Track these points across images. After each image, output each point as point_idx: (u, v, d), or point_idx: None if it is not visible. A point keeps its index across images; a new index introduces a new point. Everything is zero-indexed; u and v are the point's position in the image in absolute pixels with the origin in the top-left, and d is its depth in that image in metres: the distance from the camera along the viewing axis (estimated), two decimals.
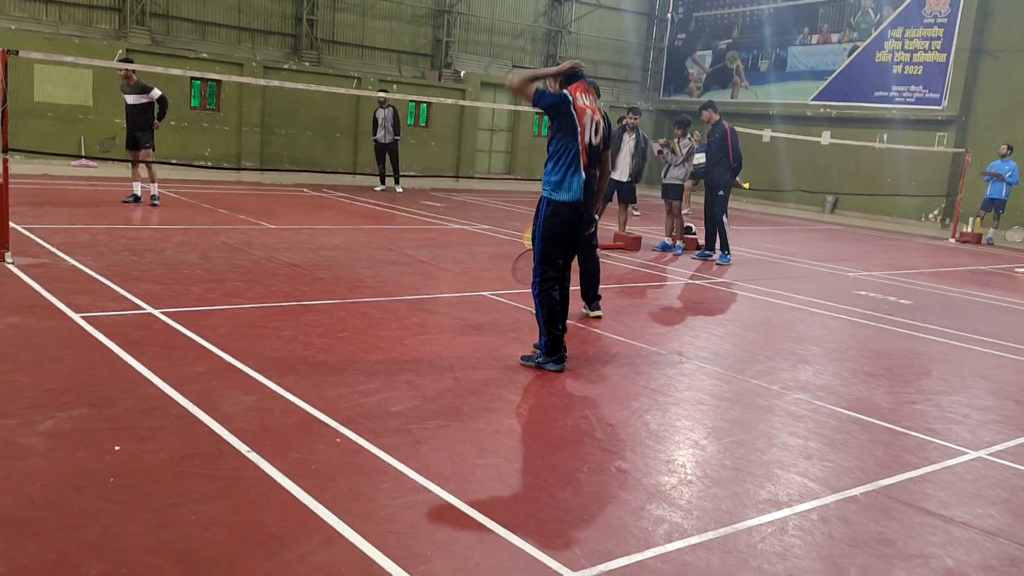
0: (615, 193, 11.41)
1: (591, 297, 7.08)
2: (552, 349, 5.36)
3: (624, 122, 11.31)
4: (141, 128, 11.72)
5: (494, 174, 23.82)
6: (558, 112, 5.16)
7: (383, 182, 17.43)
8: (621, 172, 11.21)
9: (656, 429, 4.53)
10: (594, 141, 5.27)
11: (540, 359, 5.38)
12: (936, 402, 5.48)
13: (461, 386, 4.91)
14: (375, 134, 17.23)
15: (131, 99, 11.74)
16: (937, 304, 9.24)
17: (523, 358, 5.49)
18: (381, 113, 16.97)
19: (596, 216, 6.42)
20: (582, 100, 5.21)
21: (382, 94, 14.14)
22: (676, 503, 3.61)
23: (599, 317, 7.02)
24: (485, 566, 2.93)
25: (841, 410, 5.11)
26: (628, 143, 11.18)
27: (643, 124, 26.21)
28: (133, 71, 11.50)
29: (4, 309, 5.66)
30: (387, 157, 17.25)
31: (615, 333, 6.61)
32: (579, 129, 5.16)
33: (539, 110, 5.36)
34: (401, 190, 17.47)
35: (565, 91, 5.21)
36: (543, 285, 5.37)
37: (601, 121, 5.33)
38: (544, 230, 5.29)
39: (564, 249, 5.41)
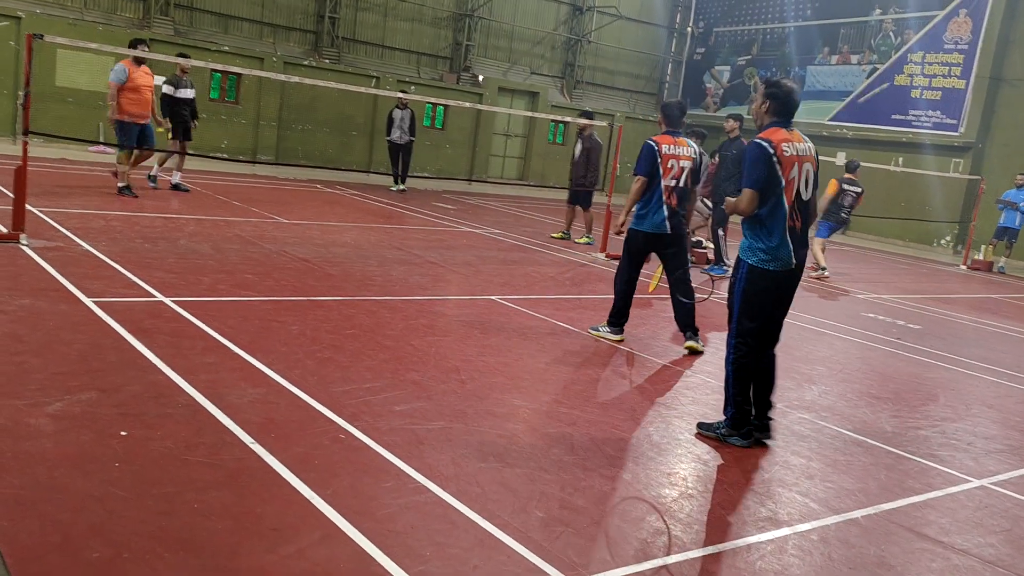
0: (575, 197, 12.75)
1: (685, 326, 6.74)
2: (739, 422, 4.62)
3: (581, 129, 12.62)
4: (192, 118, 12.33)
5: (507, 179, 23.86)
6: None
7: (397, 181, 17.45)
8: (573, 176, 12.74)
9: (659, 441, 4.53)
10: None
11: (723, 430, 4.63)
12: (941, 428, 5.46)
13: (466, 388, 4.93)
14: (389, 134, 17.17)
15: (190, 93, 12.24)
16: (946, 330, 9.21)
17: (700, 426, 4.76)
18: (398, 113, 16.94)
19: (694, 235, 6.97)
20: (668, 149, 6.26)
21: (402, 95, 14.12)
22: (676, 516, 3.61)
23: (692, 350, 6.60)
24: (483, 569, 2.94)
25: (845, 432, 5.10)
26: (577, 149, 12.53)
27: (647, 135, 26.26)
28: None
29: (18, 291, 5.71)
30: (399, 157, 17.24)
31: (623, 344, 6.61)
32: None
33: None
34: (404, 189, 17.42)
35: (650, 141, 6.31)
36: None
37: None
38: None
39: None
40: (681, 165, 6.30)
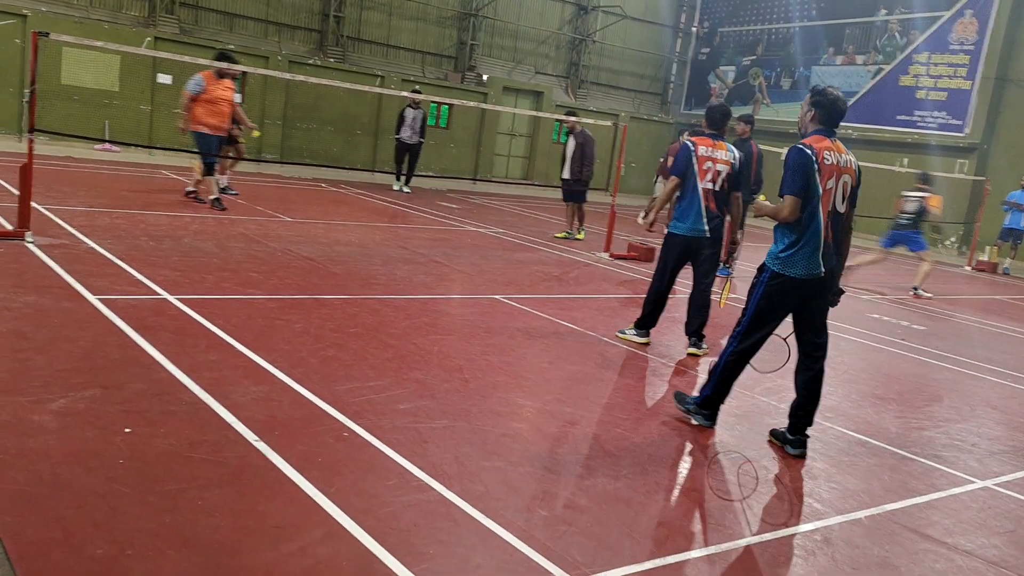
0: (571, 195, 12.86)
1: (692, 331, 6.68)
2: (709, 404, 4.79)
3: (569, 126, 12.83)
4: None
5: (511, 178, 23.85)
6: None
7: (399, 180, 17.29)
8: (566, 173, 12.77)
9: (662, 440, 4.52)
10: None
11: (692, 406, 4.84)
12: (945, 429, 5.45)
13: (469, 387, 4.93)
14: (398, 132, 16.88)
15: (239, 97, 11.93)
16: (951, 331, 9.19)
17: (676, 395, 5.00)
18: (411, 113, 16.63)
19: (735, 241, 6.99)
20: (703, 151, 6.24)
21: (416, 95, 13.91)
22: (680, 516, 3.61)
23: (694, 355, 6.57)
24: (486, 568, 2.94)
25: (849, 432, 5.09)
26: (570, 146, 12.66)
27: (662, 136, 26.20)
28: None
29: (23, 288, 5.72)
30: (406, 157, 17.05)
31: (626, 344, 6.60)
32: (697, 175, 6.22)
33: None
34: (409, 190, 17.25)
35: (687, 141, 6.32)
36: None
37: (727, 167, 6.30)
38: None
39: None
40: (717, 169, 6.23)
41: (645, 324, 6.58)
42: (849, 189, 4.45)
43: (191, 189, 11.16)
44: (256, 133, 12.13)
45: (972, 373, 7.22)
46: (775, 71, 24.48)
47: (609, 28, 25.27)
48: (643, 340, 6.59)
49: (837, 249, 4.50)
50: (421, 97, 13.55)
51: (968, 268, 16.90)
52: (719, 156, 6.26)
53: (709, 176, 6.23)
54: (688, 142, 6.31)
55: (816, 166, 4.30)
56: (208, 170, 10.79)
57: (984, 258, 17.00)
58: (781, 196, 4.41)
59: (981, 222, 17.42)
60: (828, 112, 4.45)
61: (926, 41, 20.94)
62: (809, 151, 4.32)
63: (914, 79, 21.15)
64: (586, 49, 24.98)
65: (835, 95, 4.47)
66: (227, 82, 10.82)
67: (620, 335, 6.68)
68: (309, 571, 2.77)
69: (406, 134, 16.73)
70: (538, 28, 24.13)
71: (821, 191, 4.32)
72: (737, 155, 6.42)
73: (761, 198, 6.49)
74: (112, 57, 17.14)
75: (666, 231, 6.48)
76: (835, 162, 4.36)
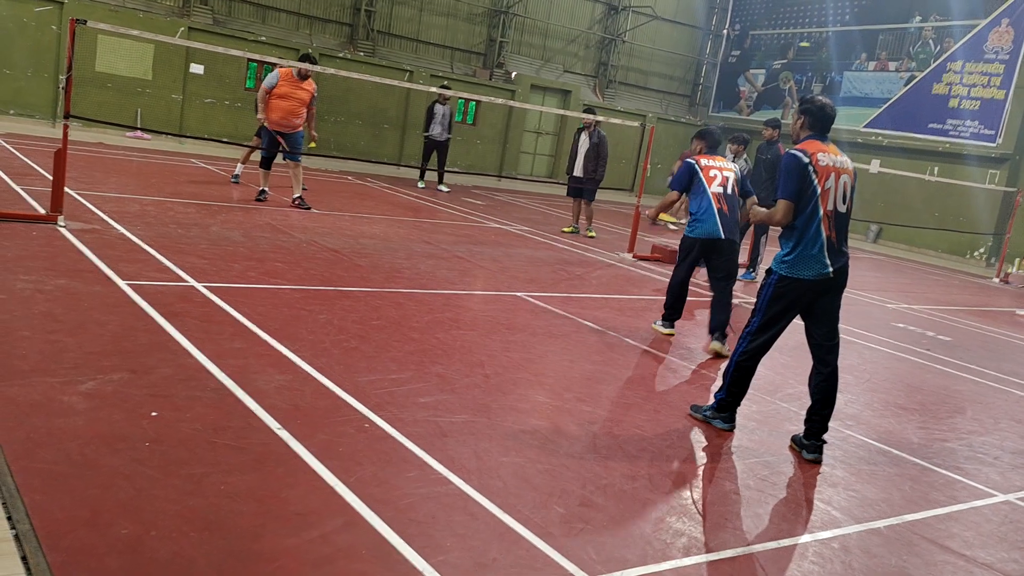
0: (580, 192, 12.93)
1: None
2: (725, 407, 4.84)
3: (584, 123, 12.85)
4: None
5: (537, 176, 23.85)
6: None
7: (423, 177, 16.88)
8: (578, 170, 12.79)
9: (680, 442, 4.53)
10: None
11: (709, 412, 4.88)
12: (968, 441, 5.40)
13: (490, 383, 4.95)
14: (427, 129, 16.27)
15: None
16: (976, 343, 9.09)
17: (692, 408, 5.03)
18: (440, 109, 16.12)
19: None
20: (706, 162, 6.65)
21: (446, 91, 13.58)
22: (696, 518, 3.61)
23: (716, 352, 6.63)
24: (502, 562, 2.96)
25: (870, 441, 5.06)
26: (584, 144, 12.67)
27: (688, 139, 26.12)
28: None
29: (55, 271, 5.82)
30: (434, 154, 16.52)
31: (648, 345, 6.60)
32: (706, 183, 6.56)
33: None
34: (447, 188, 16.75)
35: (689, 160, 6.73)
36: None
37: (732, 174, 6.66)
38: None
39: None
40: (724, 174, 6.64)
41: (670, 317, 6.99)
42: (850, 189, 4.53)
43: (297, 195, 10.97)
44: (312, 144, 12.19)
45: (997, 386, 7.14)
46: (806, 75, 24.27)
47: (639, 28, 25.18)
48: (667, 331, 6.99)
49: (840, 248, 4.52)
50: (451, 93, 13.43)
51: (996, 280, 16.68)
52: (721, 164, 6.72)
53: (718, 181, 6.59)
54: (689, 160, 6.75)
55: (812, 168, 4.41)
56: (264, 163, 10.91)
57: (1013, 270, 16.77)
58: (773, 201, 4.54)
59: (1011, 234, 17.18)
60: (816, 118, 4.58)
61: (961, 49, 20.67)
62: (803, 155, 4.43)
63: (947, 87, 20.89)
64: (615, 49, 24.91)
65: (822, 102, 4.64)
66: (308, 84, 10.79)
67: (653, 326, 7.10)
68: (328, 559, 2.81)
69: (436, 131, 16.15)
70: (568, 27, 24.10)
71: (820, 191, 4.41)
72: (736, 166, 6.87)
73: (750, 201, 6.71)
74: (146, 46, 17.35)
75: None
76: (830, 163, 4.46)
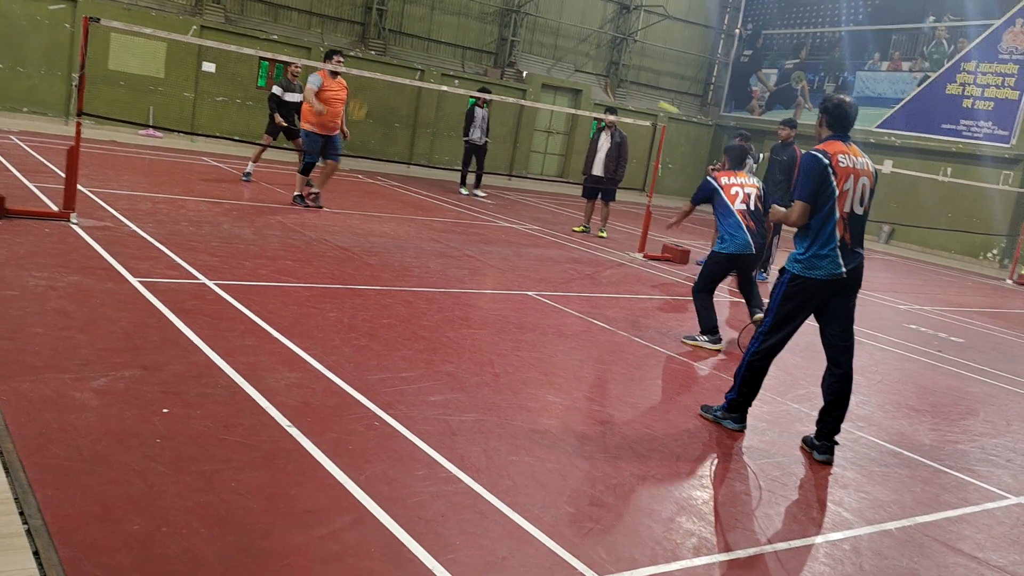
0: (598, 193, 12.91)
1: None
2: (736, 407, 4.83)
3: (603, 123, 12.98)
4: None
5: (547, 176, 23.83)
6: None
7: (465, 183, 16.36)
8: (597, 170, 12.76)
9: (691, 443, 4.51)
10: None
11: (720, 412, 4.88)
12: (980, 443, 5.36)
13: (500, 382, 4.95)
14: (467, 134, 15.67)
15: (298, 97, 11.91)
16: (989, 345, 9.02)
17: (703, 408, 5.02)
18: (480, 113, 15.58)
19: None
20: (726, 179, 6.74)
21: (486, 94, 13.22)
22: (707, 519, 3.60)
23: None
24: (511, 561, 2.96)
25: (882, 442, 5.04)
26: (604, 143, 12.70)
27: (700, 138, 26.05)
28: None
29: (67, 268, 5.85)
30: (473, 159, 16.04)
31: (659, 345, 6.59)
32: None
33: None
34: (483, 195, 16.23)
35: (709, 178, 6.80)
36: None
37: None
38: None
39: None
40: (746, 192, 6.70)
41: (708, 330, 6.77)
42: (868, 192, 4.48)
43: (315, 191, 10.87)
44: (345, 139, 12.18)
45: (1009, 388, 7.09)
46: (818, 75, 24.16)
47: (651, 28, 25.11)
48: (716, 347, 6.75)
49: (855, 250, 4.48)
50: (489, 97, 13.11)
51: (1010, 281, 16.56)
52: (743, 181, 6.77)
53: (740, 199, 6.65)
54: (709, 178, 6.84)
55: (831, 169, 4.35)
56: (305, 169, 10.77)
57: None
58: (785, 198, 4.52)
59: None
60: (835, 117, 4.55)
61: (975, 49, 20.53)
62: (823, 156, 4.38)
63: (961, 87, 20.75)
64: (627, 48, 24.86)
65: (840, 100, 4.61)
66: (341, 80, 10.73)
67: (689, 341, 6.81)
68: (337, 556, 2.81)
69: (476, 135, 15.73)
70: (579, 26, 24.06)
71: (837, 192, 4.36)
72: (759, 182, 6.96)
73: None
74: (158, 44, 17.43)
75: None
76: (850, 165, 4.40)
